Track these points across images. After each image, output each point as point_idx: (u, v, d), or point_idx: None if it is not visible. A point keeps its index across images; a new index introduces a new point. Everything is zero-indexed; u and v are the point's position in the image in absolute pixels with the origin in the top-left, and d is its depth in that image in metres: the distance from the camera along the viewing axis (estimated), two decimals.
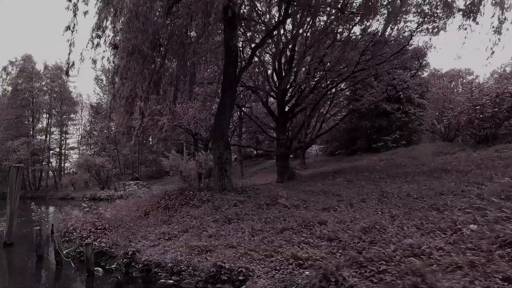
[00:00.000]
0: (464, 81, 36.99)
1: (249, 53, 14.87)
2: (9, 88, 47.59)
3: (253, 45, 15.01)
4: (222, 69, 15.93)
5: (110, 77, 14.93)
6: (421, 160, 20.25)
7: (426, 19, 15.11)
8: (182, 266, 6.68)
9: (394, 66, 20.30)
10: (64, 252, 10.00)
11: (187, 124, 26.55)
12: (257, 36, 14.43)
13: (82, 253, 9.11)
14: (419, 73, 26.53)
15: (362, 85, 21.90)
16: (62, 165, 53.13)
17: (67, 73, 11.54)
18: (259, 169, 41.91)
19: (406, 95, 27.34)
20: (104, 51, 12.53)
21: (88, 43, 10.96)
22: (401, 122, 28.24)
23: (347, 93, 27.02)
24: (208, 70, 17.25)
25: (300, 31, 14.77)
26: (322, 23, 14.58)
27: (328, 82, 17.62)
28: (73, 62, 11.10)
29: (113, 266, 7.95)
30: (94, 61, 11.12)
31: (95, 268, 7.78)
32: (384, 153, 26.53)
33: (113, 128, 57.69)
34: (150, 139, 52.27)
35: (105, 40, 11.11)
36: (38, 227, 9.78)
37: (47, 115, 50.03)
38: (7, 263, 10.47)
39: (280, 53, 18.32)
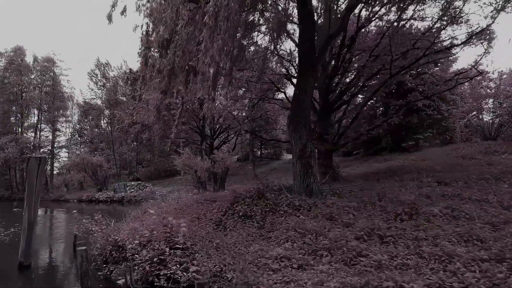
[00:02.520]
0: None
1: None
2: None
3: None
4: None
5: (142, 49, 11.77)
6: (483, 159, 17.91)
7: None
8: None
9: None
10: (119, 282, 6.86)
11: (218, 116, 23.15)
12: None
13: None
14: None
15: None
16: (53, 165, 48.49)
17: (109, 18, 8.43)
18: (269, 170, 38.95)
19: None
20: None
21: None
22: (433, 119, 25.85)
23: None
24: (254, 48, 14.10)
25: None
26: None
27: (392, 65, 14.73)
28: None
29: None
30: None
31: None
32: (417, 153, 24.13)
33: (104, 125, 53.82)
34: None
35: None
36: (84, 247, 6.52)
37: (37, 111, 45.43)
38: None
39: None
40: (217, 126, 36.82)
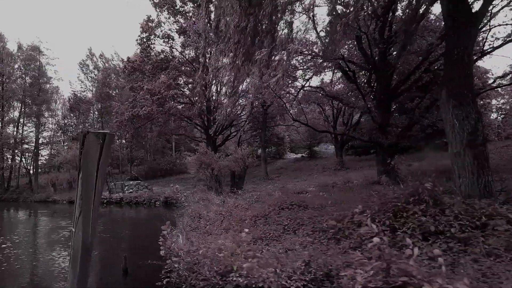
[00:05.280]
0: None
1: None
2: None
3: None
4: None
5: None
6: None
7: None
8: None
9: None
10: None
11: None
12: None
13: None
14: None
15: None
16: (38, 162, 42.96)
17: None
18: (275, 169, 35.83)
19: None
20: None
21: None
22: None
23: None
24: None
25: None
26: None
27: None
28: None
29: None
30: None
31: None
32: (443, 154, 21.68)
33: (92, 120, 48.55)
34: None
35: None
36: None
37: (20, 104, 39.99)
38: None
39: None
40: (220, 123, 33.40)
